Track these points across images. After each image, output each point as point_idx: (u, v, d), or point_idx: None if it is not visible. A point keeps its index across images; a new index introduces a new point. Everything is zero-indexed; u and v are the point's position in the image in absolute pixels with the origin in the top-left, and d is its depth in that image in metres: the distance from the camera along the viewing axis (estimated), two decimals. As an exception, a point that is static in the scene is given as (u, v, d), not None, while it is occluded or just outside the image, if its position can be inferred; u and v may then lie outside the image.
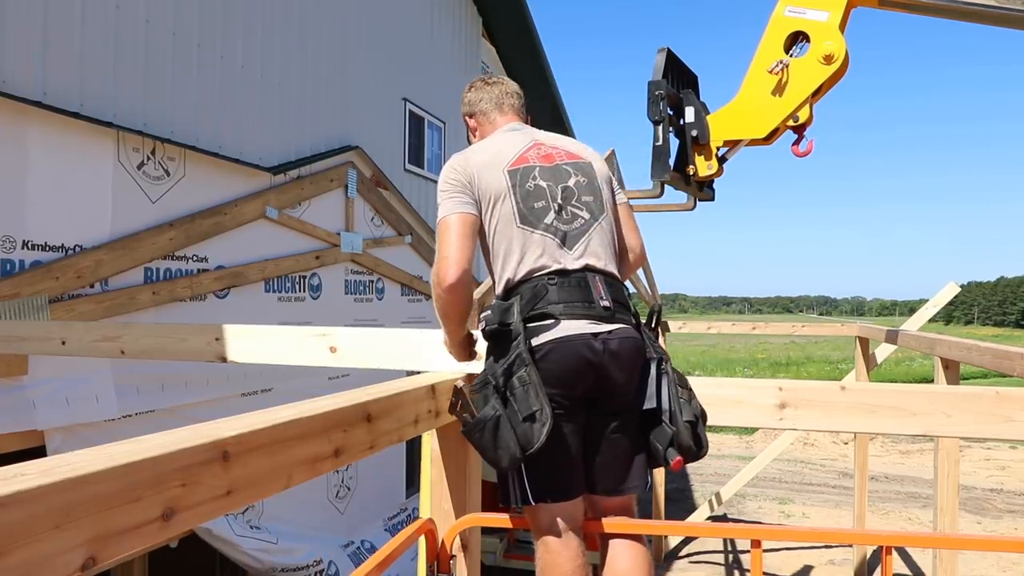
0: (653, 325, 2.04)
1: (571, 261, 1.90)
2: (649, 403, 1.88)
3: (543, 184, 1.96)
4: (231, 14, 5.12)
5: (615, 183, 2.17)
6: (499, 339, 1.83)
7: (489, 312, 1.86)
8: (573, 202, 1.97)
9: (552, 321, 1.82)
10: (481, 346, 2.04)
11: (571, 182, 2.00)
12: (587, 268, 1.92)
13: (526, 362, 1.73)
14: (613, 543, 1.96)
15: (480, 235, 1.98)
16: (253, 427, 1.18)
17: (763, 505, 10.69)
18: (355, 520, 6.49)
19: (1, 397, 3.46)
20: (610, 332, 1.84)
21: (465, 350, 2.09)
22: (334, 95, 6.42)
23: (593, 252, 1.95)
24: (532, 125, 2.34)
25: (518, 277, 1.90)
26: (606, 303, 1.87)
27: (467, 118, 2.29)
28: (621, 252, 2.11)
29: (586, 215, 1.98)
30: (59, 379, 3.71)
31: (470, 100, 2.27)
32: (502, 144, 2.07)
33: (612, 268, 1.99)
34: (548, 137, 2.14)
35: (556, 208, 1.94)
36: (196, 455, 1.03)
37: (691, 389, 1.94)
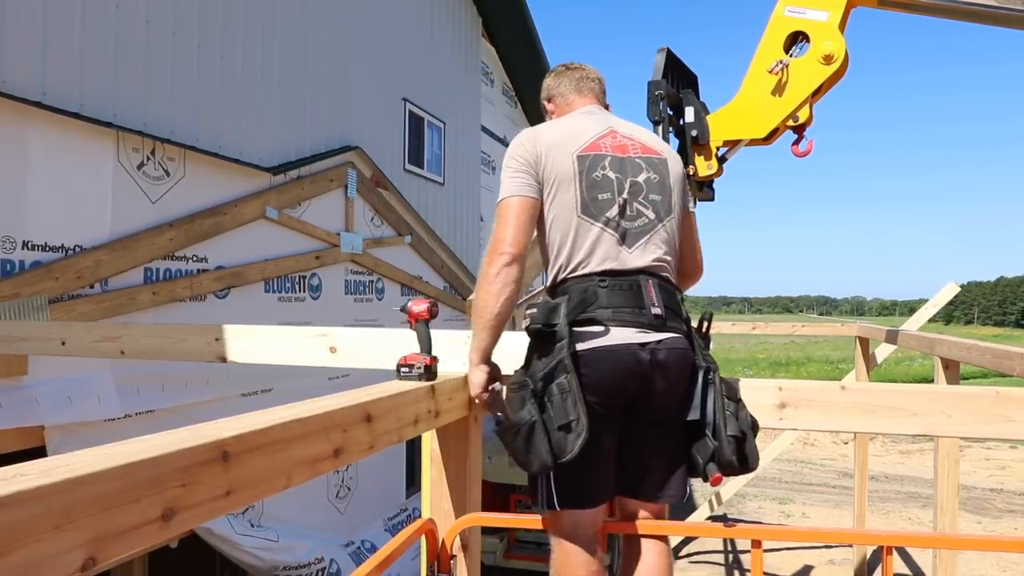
0: (704, 331, 1.95)
1: (627, 261, 1.82)
2: (693, 414, 1.81)
3: (611, 175, 1.86)
4: (231, 14, 5.11)
5: (688, 189, 2.06)
6: (543, 340, 1.77)
7: (535, 311, 1.79)
8: (640, 199, 1.87)
9: (599, 328, 1.75)
10: (510, 347, 1.97)
11: (641, 177, 1.90)
12: (642, 271, 1.83)
13: (567, 369, 1.67)
14: (634, 541, 1.95)
15: (538, 218, 1.89)
16: (253, 427, 1.18)
17: (763, 505, 10.68)
18: (355, 520, 6.49)
19: (3, 396, 3.46)
20: (659, 342, 1.77)
21: (487, 364, 1.91)
22: (334, 95, 6.42)
23: (652, 253, 1.85)
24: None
25: (569, 270, 1.84)
26: (657, 310, 1.79)
27: (546, 103, 2.19)
28: (683, 268, 2.02)
29: (651, 215, 1.88)
30: (59, 379, 3.71)
31: (549, 85, 2.18)
32: (575, 126, 1.96)
33: (669, 272, 1.90)
34: (626, 127, 2.02)
35: (621, 203, 1.84)
36: (196, 455, 1.03)
37: (740, 400, 1.86)
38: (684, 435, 1.86)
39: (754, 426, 1.84)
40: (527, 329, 1.81)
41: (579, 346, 1.73)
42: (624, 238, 1.83)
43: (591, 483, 1.81)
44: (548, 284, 1.91)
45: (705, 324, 1.97)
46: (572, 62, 2.20)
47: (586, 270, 1.82)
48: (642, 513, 1.96)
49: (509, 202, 1.85)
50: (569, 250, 1.83)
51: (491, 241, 1.84)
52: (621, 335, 1.75)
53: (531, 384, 1.71)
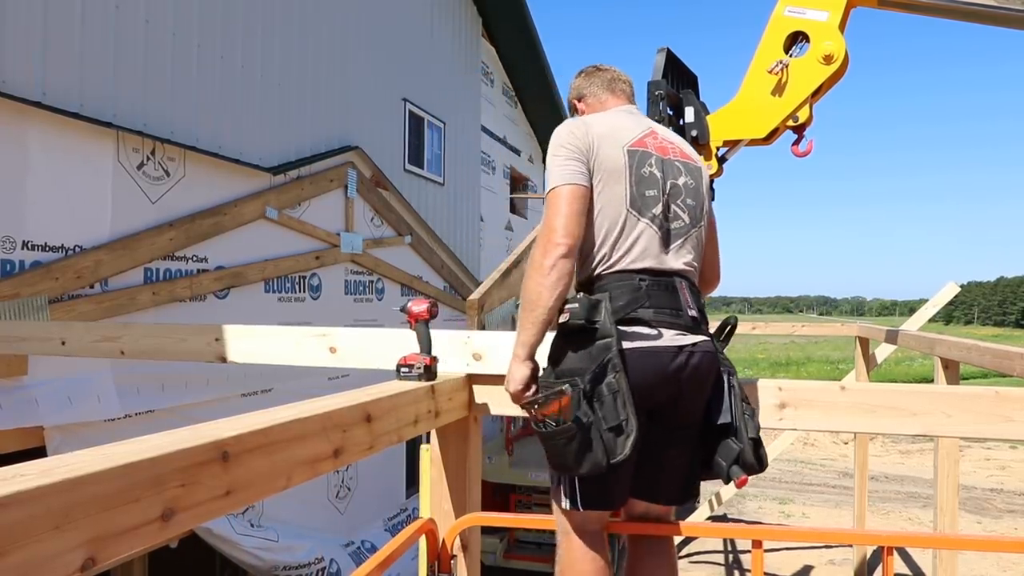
0: (723, 337, 1.95)
1: (666, 260, 1.82)
2: (723, 418, 1.81)
3: (657, 173, 1.85)
4: (231, 14, 5.11)
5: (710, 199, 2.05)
6: (581, 336, 1.72)
7: (576, 306, 1.73)
8: (678, 202, 1.87)
9: (647, 330, 1.73)
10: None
11: (680, 181, 1.89)
12: (676, 272, 1.83)
13: (617, 368, 1.64)
14: (641, 542, 1.96)
15: None
16: (253, 427, 1.18)
17: (763, 505, 10.68)
18: (355, 520, 6.49)
19: (3, 396, 3.46)
20: (695, 345, 1.77)
21: (532, 360, 1.80)
22: (334, 95, 6.42)
23: (684, 257, 1.86)
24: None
25: (608, 264, 1.80)
26: (693, 312, 1.80)
27: (575, 102, 2.16)
28: (702, 275, 2.01)
29: (686, 219, 1.88)
30: (59, 379, 3.71)
31: (579, 84, 2.15)
32: (620, 123, 1.94)
33: (696, 277, 1.91)
34: (662, 130, 2.02)
35: (664, 202, 1.83)
36: (195, 455, 1.03)
37: (749, 403, 1.89)
38: (701, 439, 1.87)
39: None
40: (565, 324, 1.76)
41: (625, 344, 1.70)
42: (665, 238, 1.83)
43: (615, 485, 1.81)
44: (582, 276, 1.87)
45: (727, 329, 1.97)
46: (601, 64, 2.19)
47: (624, 265, 1.79)
48: (656, 516, 1.96)
49: (561, 191, 1.78)
50: (613, 243, 1.80)
51: (543, 230, 1.77)
52: (664, 336, 1.75)
53: (581, 384, 1.66)
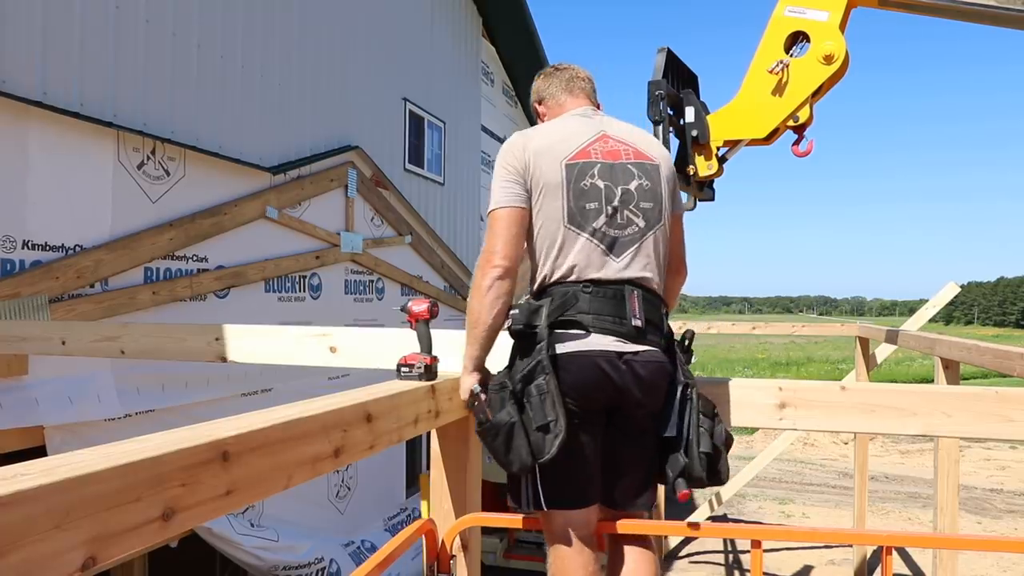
0: (686, 347, 1.95)
1: (612, 271, 1.80)
2: (669, 431, 1.82)
3: (600, 184, 1.83)
4: (231, 14, 5.11)
5: (677, 191, 2.04)
6: (524, 341, 1.79)
7: (517, 312, 1.81)
8: (631, 207, 1.85)
9: (579, 331, 1.76)
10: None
11: (632, 185, 1.86)
12: (628, 281, 1.82)
13: (546, 370, 1.69)
14: (620, 547, 1.94)
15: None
16: (253, 427, 1.18)
17: (763, 505, 10.68)
18: (355, 520, 6.49)
19: (3, 396, 3.46)
20: (635, 353, 1.77)
21: (479, 372, 1.92)
22: (334, 95, 6.42)
23: (639, 263, 1.84)
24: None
25: (553, 278, 1.84)
26: (638, 322, 1.78)
27: (536, 105, 2.18)
28: (668, 267, 2.00)
29: (641, 223, 1.86)
30: (59, 379, 3.71)
31: (538, 87, 2.17)
32: (566, 132, 1.93)
33: (655, 283, 1.89)
34: (618, 130, 1.98)
35: (609, 212, 1.82)
36: (196, 455, 1.03)
37: (715, 417, 1.88)
38: (658, 446, 1.88)
39: (727, 442, 1.86)
40: (509, 330, 1.84)
41: (558, 348, 1.75)
42: (612, 248, 1.82)
43: (576, 482, 1.82)
44: (533, 290, 1.92)
45: (687, 340, 1.97)
46: (561, 63, 2.20)
47: (570, 279, 1.82)
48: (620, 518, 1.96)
49: (499, 213, 1.87)
50: (554, 259, 1.83)
51: (483, 252, 1.85)
52: (599, 341, 1.76)
53: (510, 385, 1.75)
